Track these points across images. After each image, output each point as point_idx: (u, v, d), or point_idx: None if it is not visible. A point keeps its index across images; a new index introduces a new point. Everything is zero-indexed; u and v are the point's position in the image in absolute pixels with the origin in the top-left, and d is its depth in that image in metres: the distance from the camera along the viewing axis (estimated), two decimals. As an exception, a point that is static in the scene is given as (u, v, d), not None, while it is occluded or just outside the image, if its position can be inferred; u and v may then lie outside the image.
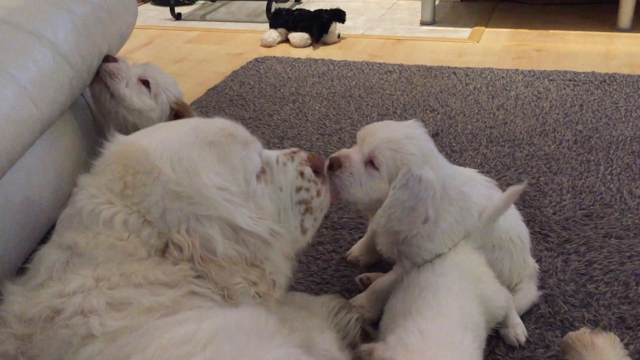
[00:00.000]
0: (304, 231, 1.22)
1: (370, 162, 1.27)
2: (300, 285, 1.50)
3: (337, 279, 1.57)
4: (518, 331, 1.34)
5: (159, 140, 1.04)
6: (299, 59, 3.35)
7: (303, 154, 1.25)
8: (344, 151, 1.32)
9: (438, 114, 2.57)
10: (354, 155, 1.29)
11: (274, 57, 3.41)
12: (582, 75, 2.90)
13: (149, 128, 1.14)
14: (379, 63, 3.23)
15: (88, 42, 1.47)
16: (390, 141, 1.27)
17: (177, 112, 1.76)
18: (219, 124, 1.12)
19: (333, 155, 1.31)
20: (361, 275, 1.55)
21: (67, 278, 0.90)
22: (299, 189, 1.21)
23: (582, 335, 1.21)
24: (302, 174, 1.22)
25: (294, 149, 1.27)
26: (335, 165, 1.28)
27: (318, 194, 1.23)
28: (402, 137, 1.28)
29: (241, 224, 1.02)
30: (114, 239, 0.96)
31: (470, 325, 1.18)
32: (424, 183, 1.24)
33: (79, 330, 0.83)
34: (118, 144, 1.07)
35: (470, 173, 1.48)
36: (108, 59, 1.68)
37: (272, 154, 1.21)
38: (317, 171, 1.25)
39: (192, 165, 1.02)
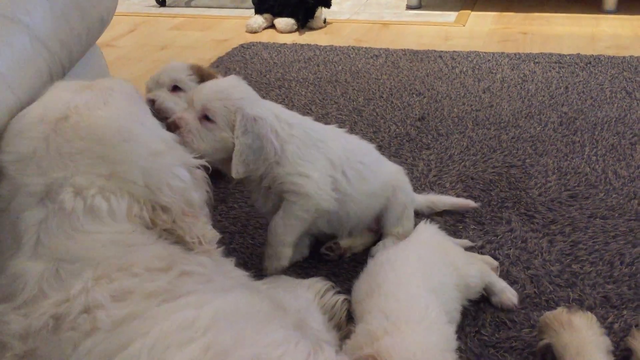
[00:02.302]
0: None
1: (205, 117, 1.37)
2: (288, 270, 1.50)
3: (323, 263, 1.57)
4: (508, 294, 1.39)
5: (108, 106, 1.03)
6: (284, 44, 3.33)
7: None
8: (177, 113, 1.42)
9: (424, 97, 2.57)
10: (187, 115, 1.38)
11: (260, 42, 3.38)
12: (568, 57, 2.91)
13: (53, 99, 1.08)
14: (365, 48, 3.22)
15: (67, 27, 1.44)
16: (217, 92, 1.40)
17: (202, 79, 1.80)
18: (119, 82, 1.15)
19: (168, 120, 1.38)
20: (327, 244, 1.58)
21: (66, 286, 0.87)
22: None
23: (559, 314, 1.21)
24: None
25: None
26: (174, 128, 1.34)
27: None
28: (228, 87, 1.42)
29: (192, 162, 1.10)
30: (111, 234, 0.94)
31: (436, 288, 1.20)
32: (259, 121, 1.37)
33: (84, 327, 0.82)
34: (47, 121, 1.00)
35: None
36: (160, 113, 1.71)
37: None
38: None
39: (145, 122, 1.07)
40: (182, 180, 1.04)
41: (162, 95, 1.81)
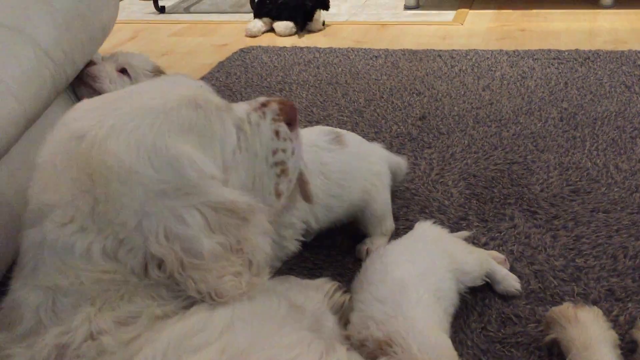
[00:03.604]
0: (278, 195, 1.10)
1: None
2: (293, 272, 1.51)
3: (329, 263, 1.58)
4: (511, 281, 1.42)
5: (126, 137, 0.86)
6: (284, 47, 3.34)
7: (274, 106, 1.10)
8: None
9: (424, 97, 2.58)
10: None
11: (260, 46, 3.39)
12: (566, 53, 2.92)
13: (98, 106, 0.94)
14: (365, 49, 3.23)
15: (69, 37, 1.46)
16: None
17: None
18: (183, 93, 0.94)
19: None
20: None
21: (65, 319, 0.82)
22: (275, 152, 1.08)
23: (565, 309, 1.22)
24: (277, 133, 1.08)
25: (264, 100, 1.11)
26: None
27: (293, 152, 1.11)
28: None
29: (224, 202, 0.89)
30: (98, 273, 0.84)
31: (425, 272, 1.23)
32: None
33: (90, 353, 0.79)
34: (66, 138, 0.89)
35: None
36: (88, 63, 1.76)
37: (242, 111, 1.06)
38: (290, 124, 1.11)
39: (174, 155, 0.87)
40: (187, 224, 0.85)
41: (105, 66, 1.81)
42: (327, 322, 1.17)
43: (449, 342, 1.08)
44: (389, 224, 1.64)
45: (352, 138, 1.62)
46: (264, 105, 1.09)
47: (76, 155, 0.87)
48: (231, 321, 0.84)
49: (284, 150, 1.09)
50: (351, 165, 1.55)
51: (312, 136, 1.52)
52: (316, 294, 1.30)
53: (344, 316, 1.29)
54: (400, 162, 1.76)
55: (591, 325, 1.18)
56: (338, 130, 1.62)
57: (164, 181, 0.85)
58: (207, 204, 0.88)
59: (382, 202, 1.61)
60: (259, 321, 0.87)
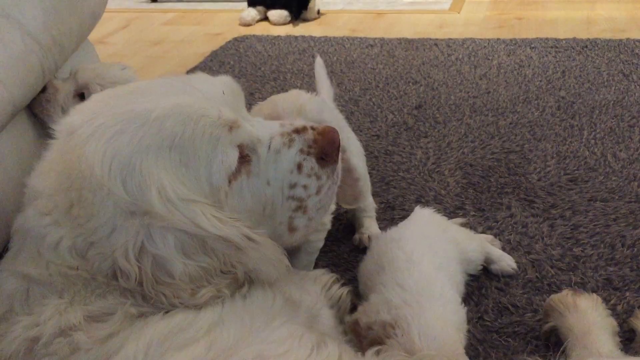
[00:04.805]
0: (291, 229, 1.01)
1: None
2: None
3: (323, 253, 1.56)
4: (507, 260, 1.44)
5: (105, 144, 0.82)
6: (278, 36, 3.31)
7: (310, 134, 0.98)
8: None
9: (421, 85, 2.55)
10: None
11: (254, 35, 3.36)
12: (564, 41, 2.89)
13: (103, 100, 0.92)
14: (360, 38, 3.20)
15: (58, 22, 1.43)
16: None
17: None
18: (177, 102, 0.88)
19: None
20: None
21: (35, 309, 0.81)
22: (293, 185, 0.97)
23: (564, 297, 1.21)
24: (299, 166, 0.97)
25: (300, 125, 0.99)
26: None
27: (318, 191, 0.99)
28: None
29: (208, 228, 0.84)
30: (65, 268, 0.83)
31: (442, 264, 1.22)
32: None
33: (64, 351, 0.77)
34: (63, 136, 0.88)
35: None
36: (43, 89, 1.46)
37: (264, 131, 0.96)
38: (324, 158, 0.99)
39: (146, 177, 0.82)
40: (157, 246, 0.82)
41: (61, 93, 1.46)
42: (323, 318, 1.14)
43: (456, 340, 1.05)
44: (371, 201, 1.63)
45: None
46: (297, 131, 0.98)
47: (65, 150, 0.86)
48: (220, 318, 0.82)
49: (304, 187, 0.97)
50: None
51: None
52: (313, 286, 1.28)
53: (341, 310, 1.27)
54: None
55: (590, 312, 1.16)
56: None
57: (132, 203, 0.81)
58: (185, 231, 0.83)
59: (361, 167, 1.55)
60: (250, 317, 0.84)
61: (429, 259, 1.21)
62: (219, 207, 0.88)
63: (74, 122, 0.88)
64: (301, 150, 0.97)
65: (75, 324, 0.78)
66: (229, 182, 0.89)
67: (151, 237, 0.81)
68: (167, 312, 0.82)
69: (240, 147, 0.91)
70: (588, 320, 1.15)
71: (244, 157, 0.92)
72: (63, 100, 1.45)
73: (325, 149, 0.98)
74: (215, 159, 0.87)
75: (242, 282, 0.90)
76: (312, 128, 0.99)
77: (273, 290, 0.95)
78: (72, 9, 1.50)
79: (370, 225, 1.59)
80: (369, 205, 1.62)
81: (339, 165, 1.03)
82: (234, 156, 0.89)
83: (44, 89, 1.45)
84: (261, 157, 0.94)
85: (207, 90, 0.93)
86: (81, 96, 1.45)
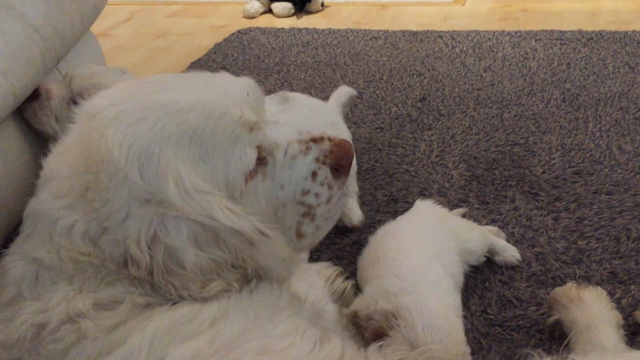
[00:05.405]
0: (299, 235, 1.02)
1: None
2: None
3: (326, 246, 1.56)
4: (511, 251, 1.44)
5: (126, 129, 0.83)
6: (282, 29, 3.29)
7: (326, 145, 1.00)
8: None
9: (425, 78, 2.54)
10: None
11: (257, 28, 3.34)
12: (569, 33, 2.87)
13: (127, 88, 0.91)
14: (364, 30, 3.18)
15: (59, 13, 1.42)
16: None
17: None
18: (202, 97, 0.88)
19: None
20: None
21: (44, 294, 0.81)
22: (305, 192, 0.99)
23: (568, 290, 1.20)
24: (314, 175, 0.98)
25: (318, 135, 1.01)
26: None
27: (328, 200, 1.01)
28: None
29: (222, 220, 0.84)
30: (76, 253, 0.83)
31: (438, 254, 1.23)
32: None
33: (70, 338, 0.77)
34: (84, 119, 0.88)
35: None
36: (33, 93, 1.39)
37: (282, 137, 0.97)
38: (337, 169, 1.01)
39: (163, 166, 0.82)
40: (170, 236, 0.82)
41: (55, 98, 1.41)
42: (328, 313, 1.14)
43: (459, 327, 1.05)
44: (354, 185, 1.69)
45: (298, 95, 1.67)
46: (314, 140, 0.99)
47: (85, 132, 0.86)
48: (225, 311, 0.81)
49: (316, 195, 0.99)
50: (305, 115, 1.57)
51: None
52: (317, 279, 1.27)
53: (345, 303, 1.26)
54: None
55: (595, 305, 1.16)
56: (282, 92, 1.67)
57: (148, 191, 0.81)
58: (199, 222, 0.83)
59: None
60: (255, 311, 0.84)
61: (423, 248, 1.22)
62: (232, 197, 0.88)
63: (96, 106, 0.87)
64: (317, 159, 0.98)
65: (84, 311, 0.78)
66: (246, 181, 0.90)
67: (164, 226, 0.81)
68: (174, 304, 0.82)
69: (259, 149, 0.92)
70: (592, 313, 1.14)
71: (261, 159, 0.93)
72: (57, 108, 1.40)
73: (340, 161, 1.00)
74: (233, 157, 0.87)
75: (250, 277, 0.90)
76: (329, 139, 1.01)
77: (279, 286, 0.94)
78: (74, 1, 1.49)
79: (352, 206, 1.64)
80: (353, 187, 1.70)
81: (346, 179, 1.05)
82: (252, 156, 0.90)
83: (36, 95, 1.38)
84: (277, 161, 0.95)
85: (230, 90, 0.93)
86: (76, 104, 1.32)
